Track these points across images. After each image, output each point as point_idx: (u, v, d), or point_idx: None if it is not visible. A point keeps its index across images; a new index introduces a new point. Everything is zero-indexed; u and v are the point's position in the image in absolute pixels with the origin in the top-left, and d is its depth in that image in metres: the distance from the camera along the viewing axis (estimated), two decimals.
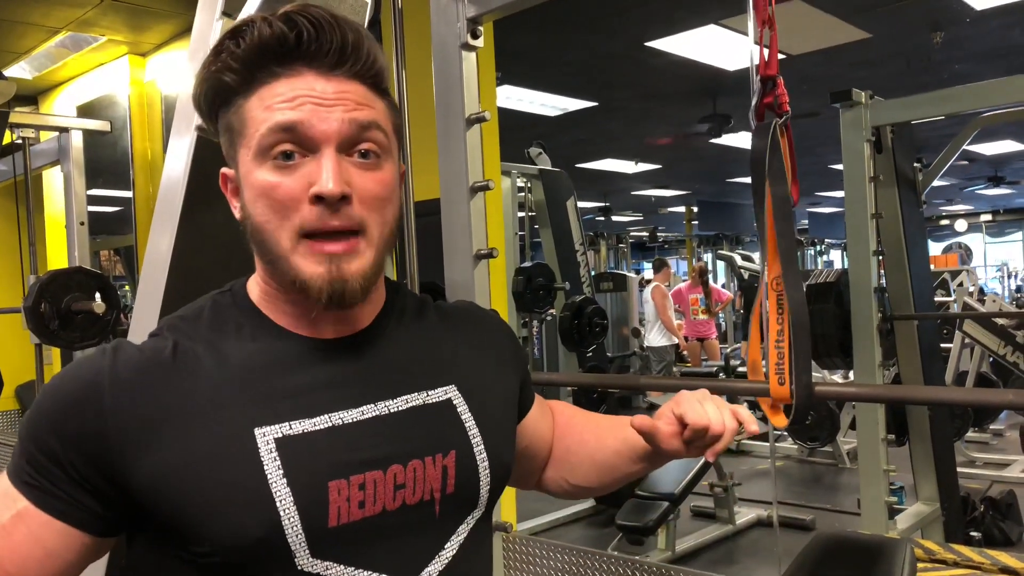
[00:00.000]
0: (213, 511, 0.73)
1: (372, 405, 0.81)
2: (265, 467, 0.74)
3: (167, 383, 0.76)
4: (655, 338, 8.09)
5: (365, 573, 0.77)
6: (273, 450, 0.75)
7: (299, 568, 0.74)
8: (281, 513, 0.73)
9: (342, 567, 0.76)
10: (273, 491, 0.74)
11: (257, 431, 0.76)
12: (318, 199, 0.75)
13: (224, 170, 0.85)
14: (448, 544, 0.83)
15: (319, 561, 0.75)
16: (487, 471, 0.86)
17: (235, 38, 0.78)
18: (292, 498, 0.74)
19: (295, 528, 0.74)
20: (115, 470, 0.74)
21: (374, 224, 0.79)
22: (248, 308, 0.84)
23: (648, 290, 8.32)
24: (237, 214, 0.83)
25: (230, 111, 0.80)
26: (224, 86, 0.79)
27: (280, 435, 0.76)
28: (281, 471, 0.75)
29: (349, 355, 0.83)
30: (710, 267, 11.84)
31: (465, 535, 0.84)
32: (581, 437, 1.07)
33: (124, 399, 0.74)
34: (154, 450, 0.73)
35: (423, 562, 0.81)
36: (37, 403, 0.76)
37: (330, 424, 0.78)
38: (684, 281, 9.82)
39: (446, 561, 0.82)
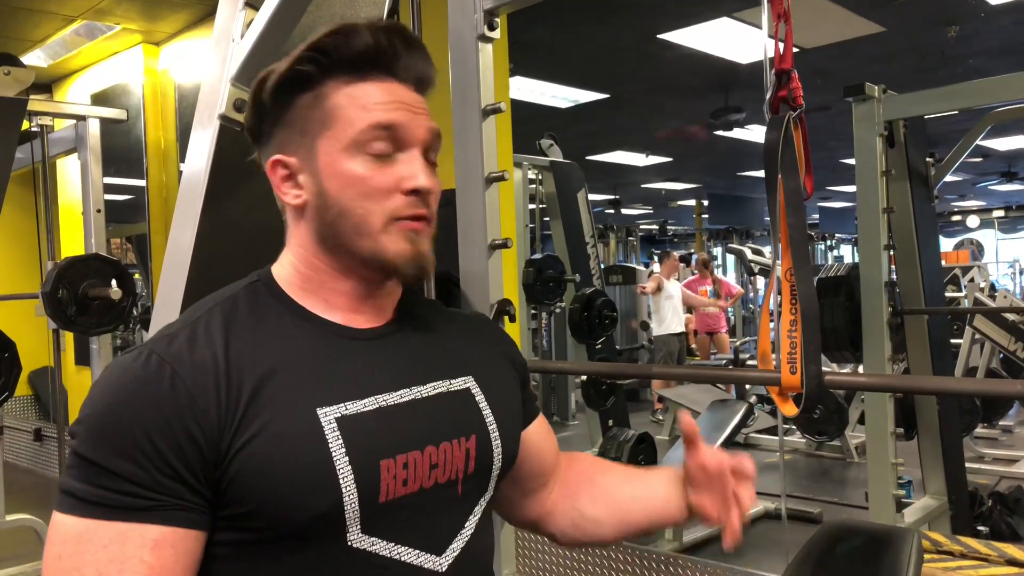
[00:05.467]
0: (281, 488, 0.75)
1: (408, 389, 0.87)
2: (329, 445, 0.78)
3: (230, 372, 0.78)
4: (654, 327, 8.05)
5: (403, 548, 0.82)
6: (335, 429, 0.79)
7: (349, 543, 0.78)
8: (343, 489, 0.77)
9: (384, 543, 0.80)
10: (337, 468, 0.77)
11: (319, 411, 0.79)
12: (414, 192, 0.84)
13: (280, 156, 0.86)
14: (467, 523, 0.89)
15: (367, 537, 0.79)
16: (499, 457, 0.92)
17: (337, 36, 0.83)
18: (352, 475, 0.78)
19: (353, 504, 0.78)
20: (219, 462, 0.75)
21: (433, 217, 0.88)
22: (283, 297, 0.87)
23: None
24: (291, 199, 0.87)
25: (305, 97, 0.85)
26: (307, 76, 0.84)
27: (339, 415, 0.80)
28: (343, 449, 0.78)
29: (381, 344, 0.89)
30: (718, 261, 11.87)
31: (479, 515, 0.90)
32: (610, 470, 1.11)
33: (208, 395, 0.76)
34: (240, 436, 0.76)
35: (449, 538, 0.86)
36: (113, 425, 0.73)
37: (376, 406, 0.83)
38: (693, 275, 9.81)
39: (466, 538, 0.88)
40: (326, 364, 0.83)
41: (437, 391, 0.89)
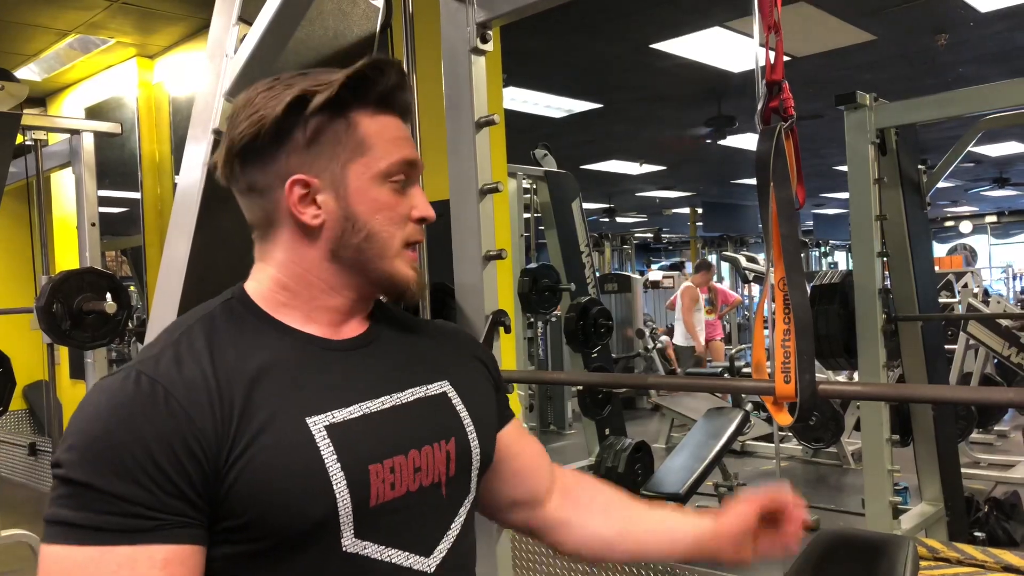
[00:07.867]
0: (277, 496, 0.77)
1: (388, 396, 0.89)
2: (322, 452, 0.80)
3: (221, 387, 0.78)
4: (678, 338, 8.35)
5: (393, 551, 0.84)
6: (325, 436, 0.81)
7: (343, 549, 0.80)
8: (337, 495, 0.79)
9: (376, 546, 0.83)
10: (330, 474, 0.79)
11: (309, 420, 0.81)
12: (422, 220, 0.93)
13: (302, 176, 0.86)
14: (453, 524, 0.91)
15: (359, 541, 0.81)
16: (478, 458, 0.96)
17: (374, 70, 0.88)
18: (345, 481, 0.80)
19: (347, 509, 0.80)
20: (217, 476, 0.76)
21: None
22: (259, 312, 0.89)
23: (679, 289, 8.59)
24: (308, 218, 0.87)
25: (337, 123, 0.87)
26: (340, 101, 0.86)
27: (328, 423, 0.82)
28: (335, 456, 0.80)
29: (359, 353, 0.91)
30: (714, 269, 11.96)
31: (464, 516, 0.93)
32: (629, 501, 1.13)
33: (204, 413, 0.76)
34: (235, 447, 0.77)
35: (436, 540, 0.89)
36: (111, 447, 0.72)
37: (361, 413, 0.85)
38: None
39: (452, 539, 0.90)
40: (310, 373, 0.85)
41: (416, 396, 0.92)
